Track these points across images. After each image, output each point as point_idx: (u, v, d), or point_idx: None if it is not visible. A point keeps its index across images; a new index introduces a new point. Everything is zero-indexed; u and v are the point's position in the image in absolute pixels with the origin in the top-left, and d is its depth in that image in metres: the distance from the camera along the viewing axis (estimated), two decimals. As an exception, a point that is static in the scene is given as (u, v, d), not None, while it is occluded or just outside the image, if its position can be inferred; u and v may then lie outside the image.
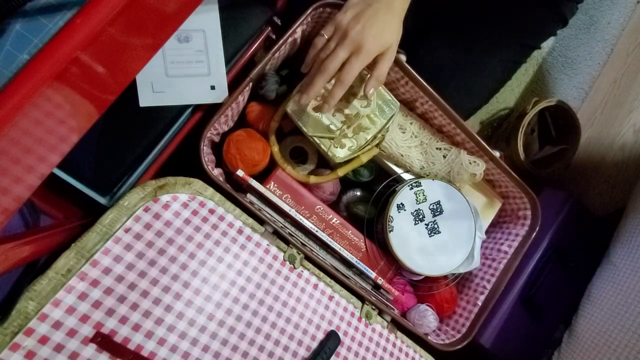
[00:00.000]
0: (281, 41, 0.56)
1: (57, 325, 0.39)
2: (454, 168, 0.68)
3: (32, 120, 0.28)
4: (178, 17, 0.38)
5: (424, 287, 0.71)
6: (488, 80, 0.79)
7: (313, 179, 0.63)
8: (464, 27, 0.76)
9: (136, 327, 0.42)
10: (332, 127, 0.60)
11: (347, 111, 0.60)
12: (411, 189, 0.65)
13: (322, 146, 0.59)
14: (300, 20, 0.56)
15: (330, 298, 0.57)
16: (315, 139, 0.59)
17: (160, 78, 0.50)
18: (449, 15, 0.79)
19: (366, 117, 0.61)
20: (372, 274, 0.64)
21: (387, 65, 0.55)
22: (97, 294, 0.42)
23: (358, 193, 0.70)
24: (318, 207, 0.63)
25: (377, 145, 0.64)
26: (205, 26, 0.52)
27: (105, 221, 0.44)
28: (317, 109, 0.58)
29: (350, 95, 0.60)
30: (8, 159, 0.28)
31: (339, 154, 0.60)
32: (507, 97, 1.19)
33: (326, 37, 0.53)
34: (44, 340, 0.38)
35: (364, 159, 0.63)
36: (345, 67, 0.52)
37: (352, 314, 0.58)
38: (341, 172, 0.63)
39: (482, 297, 0.70)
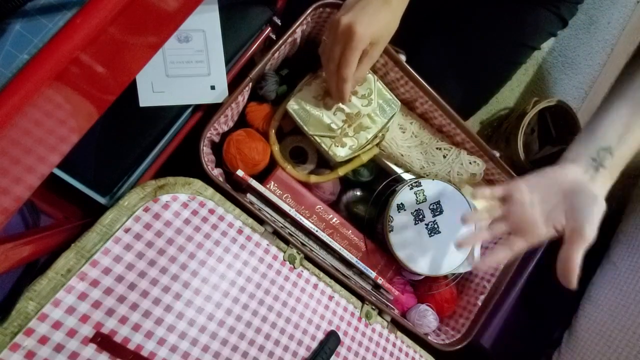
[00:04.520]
0: (281, 41, 0.56)
1: (57, 325, 0.39)
2: (454, 168, 0.68)
3: (32, 120, 0.28)
4: (178, 17, 0.38)
5: (424, 287, 0.71)
6: (488, 80, 0.79)
7: (313, 179, 0.63)
8: (464, 28, 0.76)
9: (136, 327, 0.42)
10: (333, 126, 0.59)
11: (347, 110, 0.60)
12: (411, 189, 0.65)
13: (323, 145, 0.59)
14: (300, 20, 0.56)
15: (330, 298, 0.57)
16: (316, 138, 0.59)
17: (160, 78, 0.50)
18: (449, 16, 0.79)
19: (367, 116, 0.61)
20: (372, 274, 0.64)
21: (369, 62, 0.53)
22: (97, 294, 0.42)
23: (358, 193, 0.70)
24: (318, 207, 0.63)
25: (377, 145, 0.64)
26: (205, 26, 0.52)
27: (105, 221, 0.44)
28: (329, 103, 0.59)
29: (350, 94, 0.60)
30: (8, 159, 0.28)
31: (340, 153, 0.60)
32: (507, 97, 1.19)
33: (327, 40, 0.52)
34: (44, 340, 0.38)
35: (365, 158, 0.63)
36: (341, 62, 0.51)
37: (352, 314, 0.58)
38: (341, 171, 0.63)
39: (482, 297, 0.70)
